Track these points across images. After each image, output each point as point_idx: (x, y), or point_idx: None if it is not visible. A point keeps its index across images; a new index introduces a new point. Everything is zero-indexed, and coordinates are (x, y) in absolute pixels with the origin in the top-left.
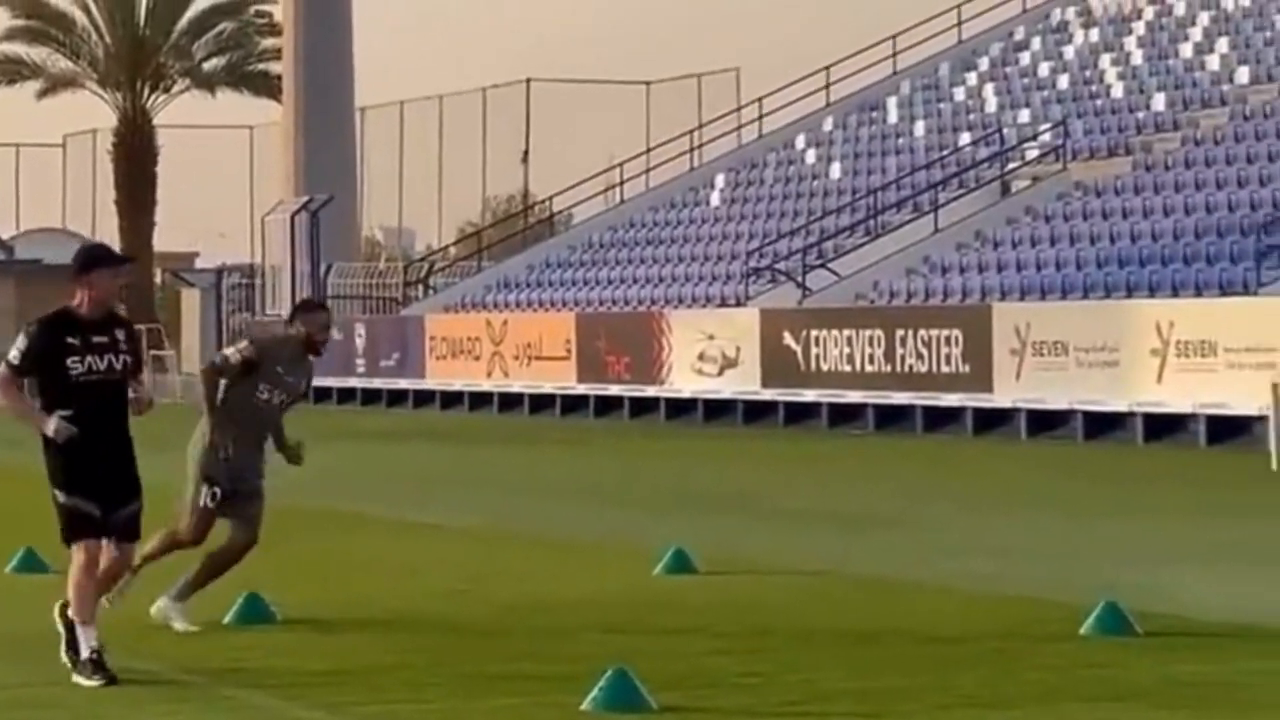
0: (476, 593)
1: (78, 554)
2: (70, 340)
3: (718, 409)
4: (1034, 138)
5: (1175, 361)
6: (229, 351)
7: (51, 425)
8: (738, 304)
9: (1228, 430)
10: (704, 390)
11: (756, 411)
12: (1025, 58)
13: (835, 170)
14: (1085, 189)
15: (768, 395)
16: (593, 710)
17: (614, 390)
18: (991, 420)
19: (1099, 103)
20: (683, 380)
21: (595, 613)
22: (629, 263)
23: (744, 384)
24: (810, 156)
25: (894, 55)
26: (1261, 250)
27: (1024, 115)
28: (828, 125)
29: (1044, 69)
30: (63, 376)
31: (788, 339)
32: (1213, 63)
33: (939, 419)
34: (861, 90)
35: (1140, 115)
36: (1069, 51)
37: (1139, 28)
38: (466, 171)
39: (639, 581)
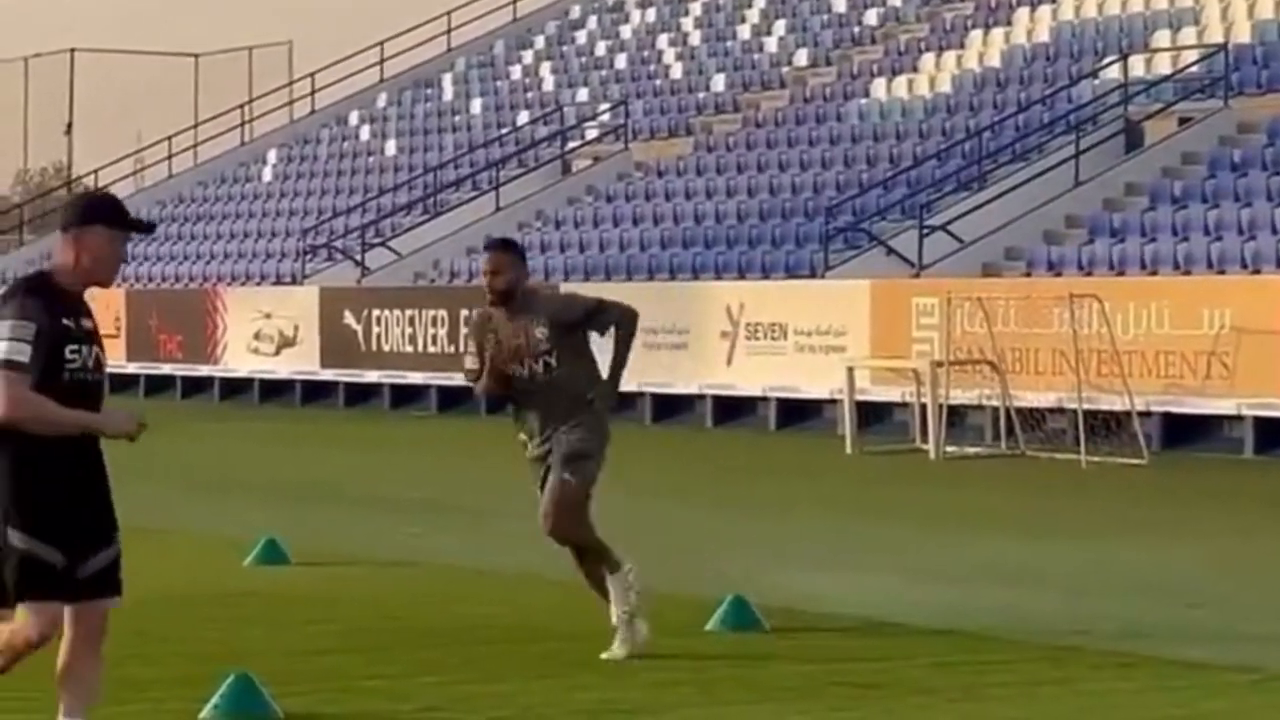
0: None
1: (32, 617)
2: (66, 322)
3: (275, 389)
4: (594, 117)
5: (745, 344)
6: None
7: (121, 421)
8: (295, 282)
9: (798, 414)
10: (260, 370)
11: (315, 392)
12: (582, 36)
13: (391, 147)
14: (646, 169)
15: (327, 375)
16: (213, 718)
17: (166, 369)
18: None
19: (658, 83)
20: (238, 360)
21: (197, 608)
22: (180, 239)
23: (302, 364)
24: (365, 133)
25: (449, 32)
26: (828, 233)
27: (583, 94)
28: (382, 101)
29: (601, 48)
30: (56, 373)
31: (348, 318)
32: (771, 44)
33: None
34: (416, 66)
35: (700, 96)
36: (626, 31)
37: (696, 8)
38: (8, 143)
39: (231, 573)
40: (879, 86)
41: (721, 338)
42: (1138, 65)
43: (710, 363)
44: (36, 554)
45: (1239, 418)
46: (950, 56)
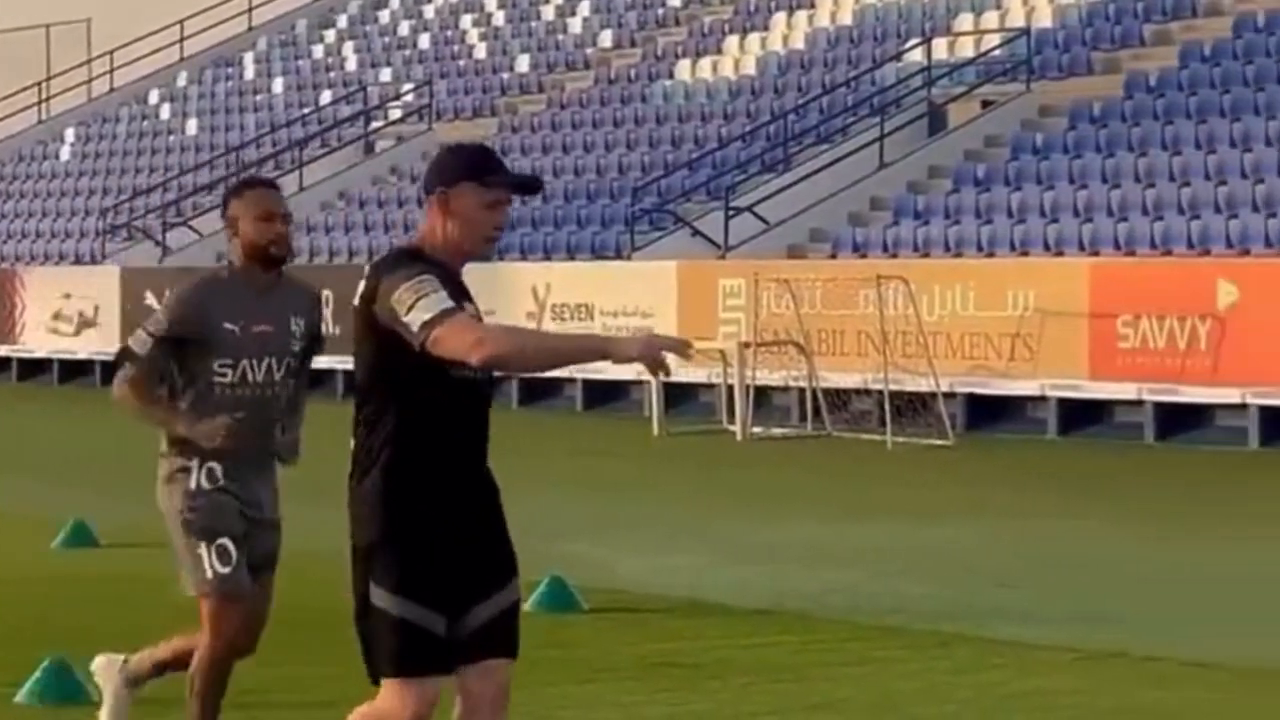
0: None
1: (402, 696)
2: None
3: (75, 369)
4: (397, 97)
5: (551, 325)
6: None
7: (645, 345)
8: (95, 262)
9: (605, 395)
10: (60, 350)
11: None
12: (385, 16)
13: (192, 126)
14: None
15: None
16: (29, 704)
17: None
18: None
19: (462, 63)
20: (37, 340)
21: (6, 591)
22: None
23: (103, 344)
24: (165, 112)
25: (250, 10)
26: (634, 215)
27: (386, 74)
28: (182, 80)
29: (405, 28)
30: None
31: (149, 299)
32: (575, 25)
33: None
34: (217, 45)
35: (504, 76)
36: (430, 11)
37: None
38: None
39: (40, 556)
40: (683, 68)
41: (527, 319)
42: (941, 48)
43: None
44: (411, 620)
45: (1042, 398)
46: (754, 38)
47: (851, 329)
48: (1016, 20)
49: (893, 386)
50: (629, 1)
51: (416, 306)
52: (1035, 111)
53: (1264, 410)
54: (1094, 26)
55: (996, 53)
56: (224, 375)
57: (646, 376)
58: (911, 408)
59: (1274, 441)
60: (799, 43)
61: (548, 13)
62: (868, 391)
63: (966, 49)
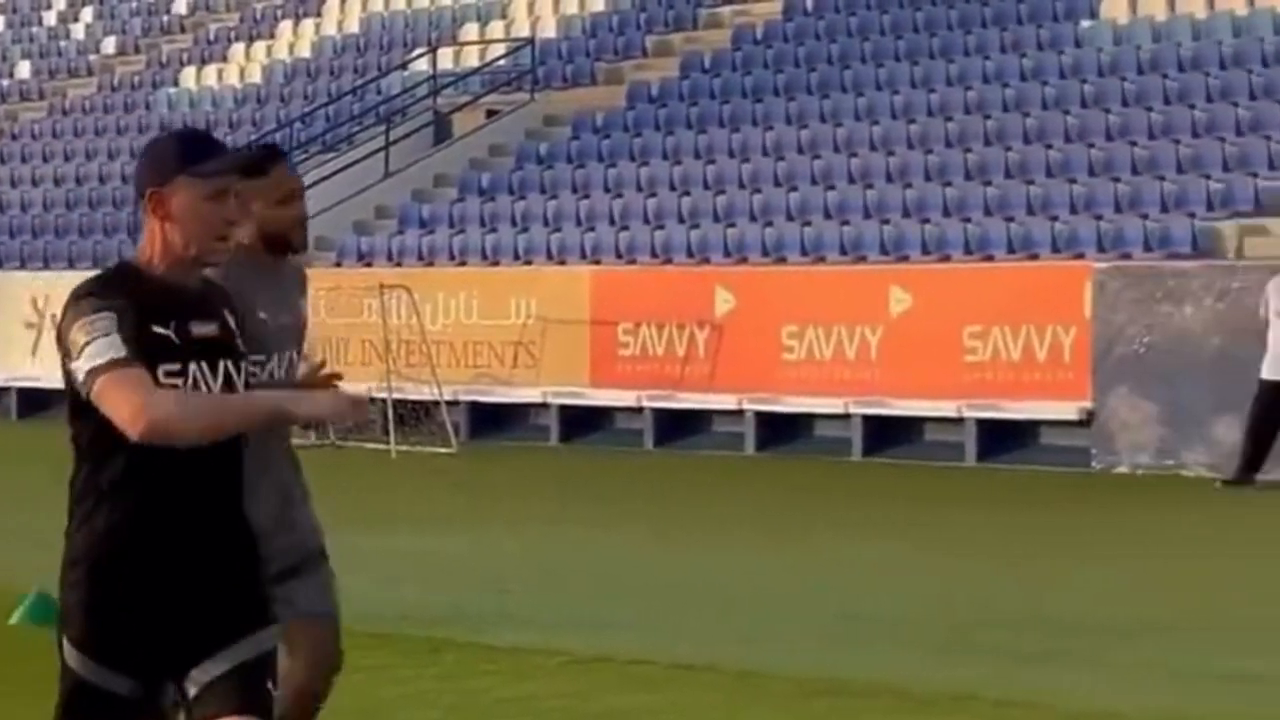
0: None
1: None
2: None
3: None
4: None
5: (51, 336)
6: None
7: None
8: None
9: None
10: None
11: None
12: None
13: None
14: None
15: None
16: None
17: None
18: None
19: None
20: None
21: None
22: None
23: None
24: None
25: None
26: (138, 223)
27: None
28: None
29: None
30: None
31: None
32: (78, 31)
33: None
34: None
35: (4, 84)
36: None
37: None
38: None
39: None
40: (189, 75)
41: (27, 330)
42: (447, 57)
43: (15, 354)
44: (92, 681)
45: (545, 406)
46: (260, 46)
47: (356, 338)
48: (521, 30)
49: (397, 395)
50: (134, 8)
51: (85, 352)
52: (539, 121)
53: (760, 416)
54: (598, 37)
55: (501, 62)
56: (254, 375)
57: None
58: (415, 416)
59: (769, 447)
60: (305, 51)
61: (49, 19)
62: (372, 400)
63: (472, 58)
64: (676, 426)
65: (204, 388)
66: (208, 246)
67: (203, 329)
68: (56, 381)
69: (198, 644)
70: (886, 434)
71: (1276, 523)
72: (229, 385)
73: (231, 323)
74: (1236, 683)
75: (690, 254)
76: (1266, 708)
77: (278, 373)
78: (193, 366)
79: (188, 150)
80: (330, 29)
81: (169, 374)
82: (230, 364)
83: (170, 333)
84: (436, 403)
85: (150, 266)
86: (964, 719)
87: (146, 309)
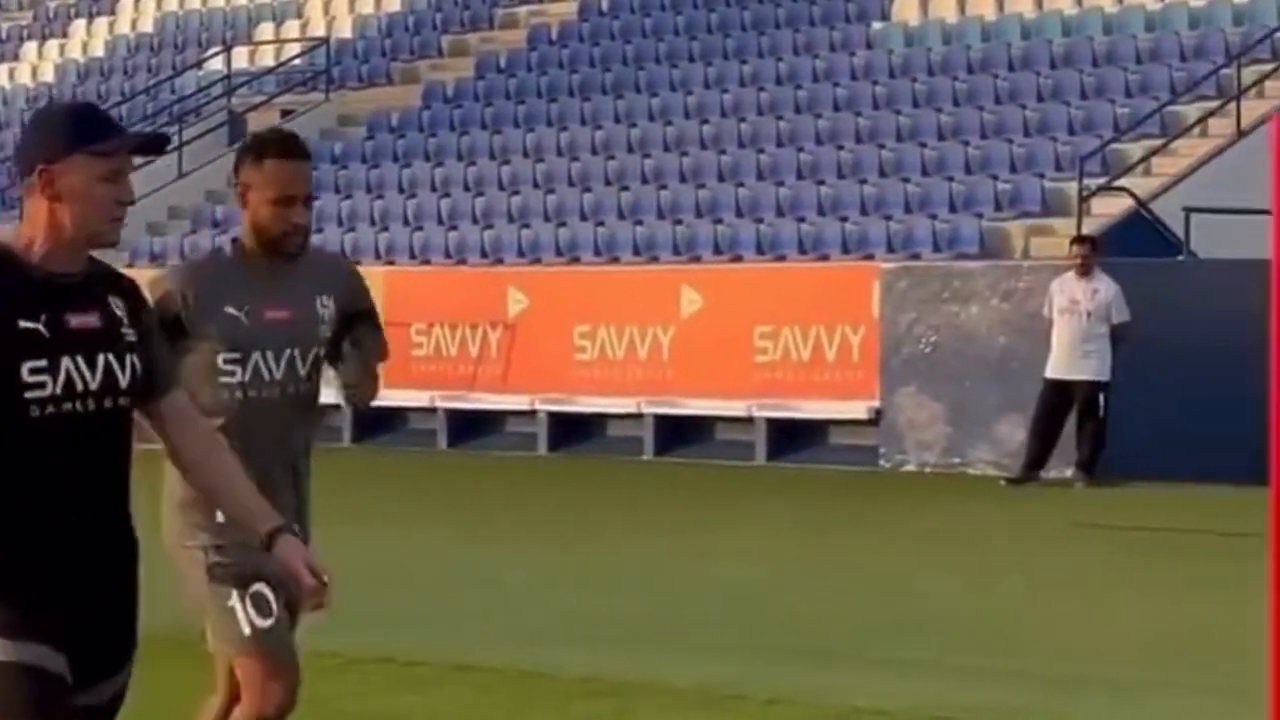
0: None
1: None
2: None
3: None
4: None
5: None
6: None
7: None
8: None
9: None
10: None
11: None
12: None
13: None
14: None
15: None
16: None
17: None
18: None
19: None
20: None
21: None
22: None
23: None
24: None
25: None
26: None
27: None
28: None
29: None
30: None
31: None
32: None
33: None
34: None
35: None
36: None
37: None
38: None
39: None
40: None
41: None
42: (242, 57)
43: None
44: (26, 661)
45: (337, 408)
46: (54, 45)
47: None
48: (317, 30)
49: None
50: None
51: None
52: (334, 121)
53: (552, 416)
54: (393, 37)
55: (297, 62)
56: (231, 374)
57: None
58: None
59: (562, 447)
60: (99, 50)
61: None
62: None
63: (267, 58)
64: (470, 427)
65: (79, 383)
66: (98, 229)
67: (81, 320)
68: None
69: (86, 670)
70: (678, 433)
71: (1058, 518)
72: (109, 378)
73: (119, 311)
74: (1004, 679)
75: (484, 254)
76: (1029, 699)
77: (276, 372)
78: (65, 361)
79: (84, 126)
80: (124, 28)
81: (35, 371)
82: (112, 356)
83: (40, 326)
84: None
85: (28, 251)
86: (735, 718)
87: (14, 301)
